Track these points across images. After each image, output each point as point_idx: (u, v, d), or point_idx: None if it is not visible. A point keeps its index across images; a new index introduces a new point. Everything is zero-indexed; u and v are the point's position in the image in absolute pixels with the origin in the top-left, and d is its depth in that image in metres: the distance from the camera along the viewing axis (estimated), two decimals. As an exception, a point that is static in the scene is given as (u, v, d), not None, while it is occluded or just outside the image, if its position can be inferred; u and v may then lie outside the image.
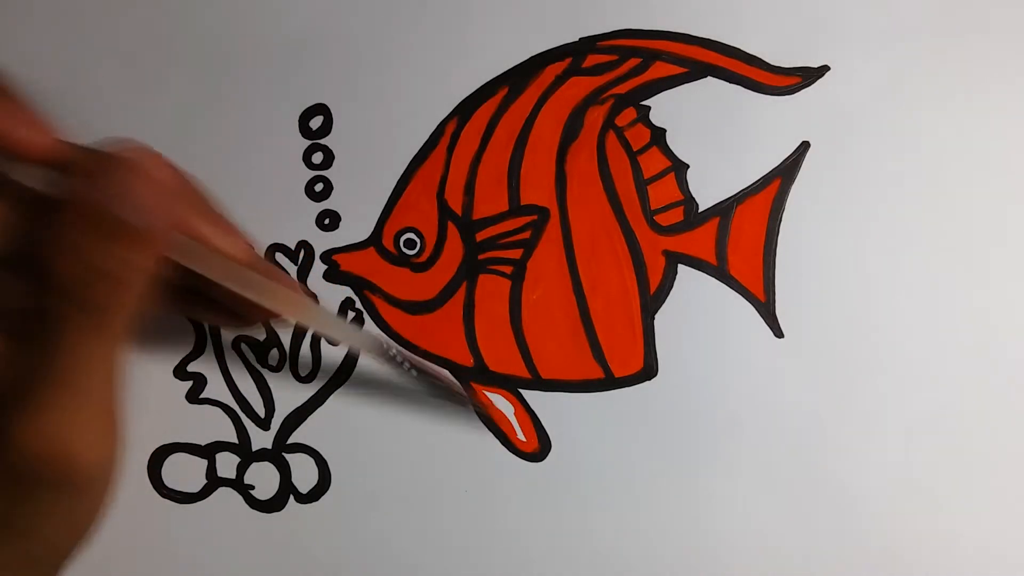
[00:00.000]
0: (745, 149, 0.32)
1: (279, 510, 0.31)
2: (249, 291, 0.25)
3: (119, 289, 0.22)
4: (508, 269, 0.32)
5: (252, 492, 0.31)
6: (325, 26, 0.33)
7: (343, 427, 0.31)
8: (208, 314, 0.28)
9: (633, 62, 0.32)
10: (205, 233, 0.24)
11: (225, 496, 0.31)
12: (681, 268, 0.32)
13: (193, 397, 0.31)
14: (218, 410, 0.31)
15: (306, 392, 0.31)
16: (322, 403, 0.31)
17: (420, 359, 0.30)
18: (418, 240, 0.32)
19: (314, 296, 0.32)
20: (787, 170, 0.32)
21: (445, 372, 0.30)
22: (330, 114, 0.32)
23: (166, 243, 0.22)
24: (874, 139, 0.32)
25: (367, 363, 0.31)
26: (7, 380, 0.22)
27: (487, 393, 0.31)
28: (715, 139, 0.32)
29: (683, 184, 0.32)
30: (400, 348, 0.29)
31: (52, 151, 0.22)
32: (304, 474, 0.31)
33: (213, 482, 0.31)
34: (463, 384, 0.31)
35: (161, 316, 0.31)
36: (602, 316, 0.31)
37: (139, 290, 0.22)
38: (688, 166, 0.32)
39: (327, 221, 0.32)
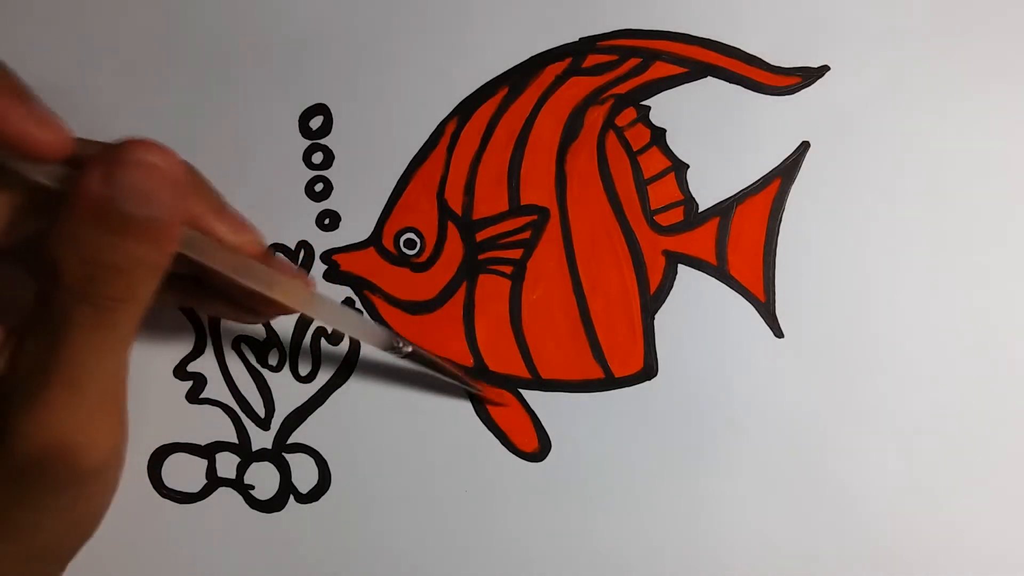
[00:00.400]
0: (745, 149, 0.32)
1: (279, 510, 0.31)
2: (259, 285, 0.25)
3: (127, 284, 0.22)
4: (508, 269, 0.32)
5: (252, 492, 0.31)
6: (325, 26, 0.33)
7: (343, 427, 0.31)
8: (217, 306, 0.28)
9: (633, 62, 0.32)
10: (215, 227, 0.24)
11: (225, 496, 0.31)
12: (681, 268, 0.32)
13: (193, 397, 0.31)
14: (218, 410, 0.31)
15: (306, 392, 0.31)
16: (322, 403, 0.31)
17: (429, 353, 0.30)
18: (418, 240, 0.32)
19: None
20: (787, 170, 0.32)
21: (458, 370, 0.30)
22: (330, 114, 0.32)
23: (175, 238, 0.22)
24: (874, 139, 0.32)
25: (367, 363, 0.31)
26: (13, 375, 0.22)
27: (506, 396, 0.31)
28: (715, 139, 0.32)
29: (683, 184, 0.32)
30: (409, 341, 0.29)
31: (61, 148, 0.22)
32: (304, 474, 0.31)
33: (213, 482, 0.31)
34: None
35: (164, 313, 0.31)
36: (602, 316, 0.31)
37: (148, 286, 0.22)
38: (688, 166, 0.32)
39: (327, 221, 0.32)
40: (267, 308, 0.27)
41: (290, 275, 0.26)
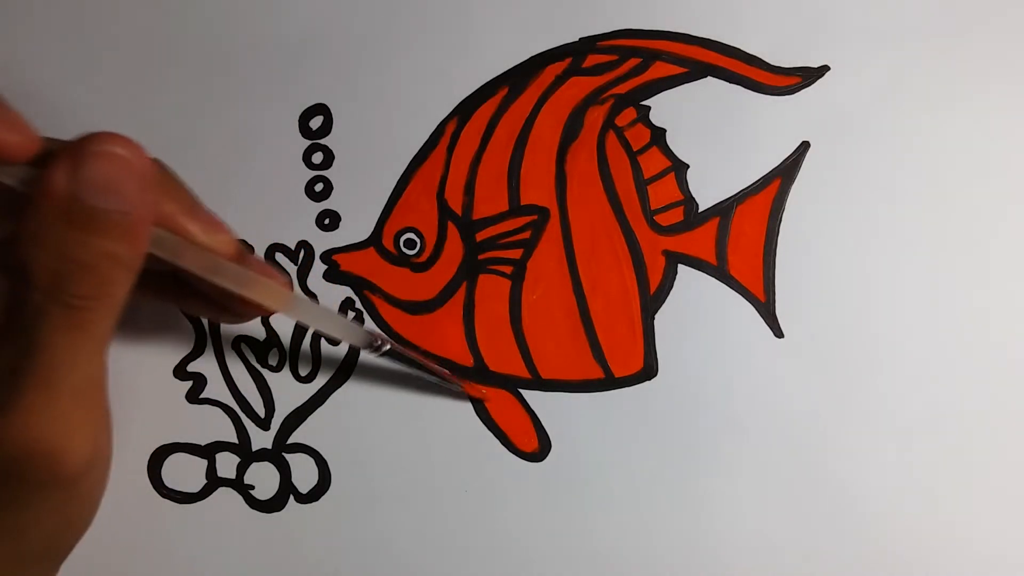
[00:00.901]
0: (745, 149, 0.32)
1: (279, 510, 0.31)
2: (233, 285, 0.25)
3: (98, 282, 0.21)
4: (508, 269, 0.32)
5: (252, 492, 0.31)
6: (325, 26, 0.33)
7: (343, 427, 0.31)
8: (196, 306, 0.28)
9: (633, 62, 0.32)
10: (186, 226, 0.24)
11: (225, 496, 0.31)
12: (681, 268, 0.32)
13: (193, 397, 0.31)
14: (218, 410, 0.31)
15: (306, 392, 0.31)
16: (322, 403, 0.31)
17: (411, 352, 0.30)
18: (418, 240, 0.32)
19: (314, 298, 0.32)
20: (787, 170, 0.32)
21: (438, 367, 0.30)
22: (330, 114, 0.32)
23: (144, 232, 0.22)
24: (874, 139, 0.32)
25: (367, 363, 0.31)
26: None
27: (486, 391, 0.31)
28: (715, 139, 0.32)
29: (683, 184, 0.32)
30: (391, 340, 0.29)
31: (28, 148, 0.21)
32: (304, 474, 0.31)
33: (213, 482, 0.31)
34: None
35: (163, 313, 0.31)
36: (602, 316, 0.31)
37: (120, 284, 0.22)
38: (688, 166, 0.32)
39: (327, 221, 0.32)
40: (244, 308, 0.26)
41: (264, 275, 0.26)
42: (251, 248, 0.32)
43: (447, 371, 0.31)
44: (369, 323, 0.32)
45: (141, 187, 0.21)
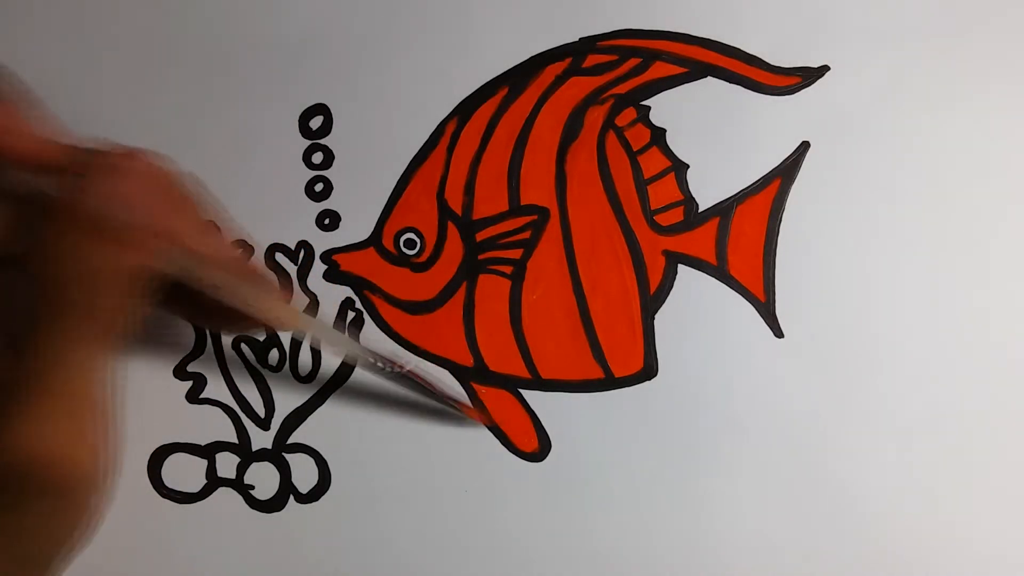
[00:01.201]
0: (745, 149, 0.32)
1: (279, 510, 0.31)
2: (235, 299, 0.25)
3: (105, 291, 0.21)
4: (508, 269, 0.32)
5: (252, 492, 0.31)
6: (325, 26, 0.33)
7: (343, 427, 0.31)
8: (201, 318, 0.28)
9: (633, 62, 0.32)
10: (192, 240, 0.24)
11: (225, 496, 0.31)
12: (681, 268, 0.32)
13: (193, 397, 0.31)
14: (218, 410, 0.31)
15: (306, 392, 0.31)
16: (322, 403, 0.31)
17: (412, 368, 0.30)
18: (418, 240, 0.32)
19: (314, 298, 0.32)
20: (787, 170, 0.32)
21: (438, 381, 0.30)
22: (330, 114, 0.32)
23: (155, 246, 0.22)
24: (874, 139, 0.32)
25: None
26: None
27: (486, 393, 0.31)
28: (715, 139, 0.32)
29: (683, 184, 0.32)
30: (391, 357, 0.29)
31: (41, 155, 0.21)
32: (304, 474, 0.31)
33: (213, 482, 0.31)
34: (463, 384, 0.31)
35: (159, 317, 0.31)
36: (602, 316, 0.31)
37: (126, 292, 0.22)
38: (688, 166, 0.32)
39: (327, 221, 0.32)
40: (248, 321, 0.26)
41: (269, 288, 0.26)
42: (252, 250, 0.32)
43: (452, 397, 0.30)
44: (377, 345, 0.31)
45: (152, 201, 0.21)
